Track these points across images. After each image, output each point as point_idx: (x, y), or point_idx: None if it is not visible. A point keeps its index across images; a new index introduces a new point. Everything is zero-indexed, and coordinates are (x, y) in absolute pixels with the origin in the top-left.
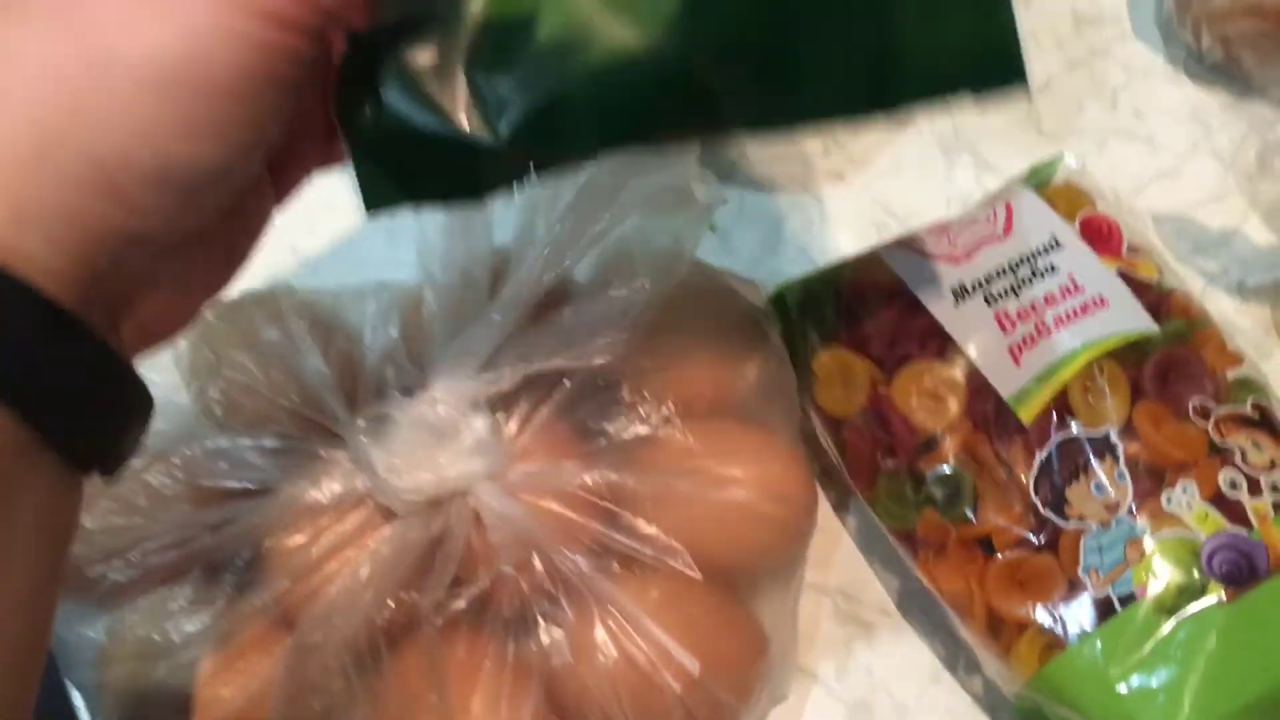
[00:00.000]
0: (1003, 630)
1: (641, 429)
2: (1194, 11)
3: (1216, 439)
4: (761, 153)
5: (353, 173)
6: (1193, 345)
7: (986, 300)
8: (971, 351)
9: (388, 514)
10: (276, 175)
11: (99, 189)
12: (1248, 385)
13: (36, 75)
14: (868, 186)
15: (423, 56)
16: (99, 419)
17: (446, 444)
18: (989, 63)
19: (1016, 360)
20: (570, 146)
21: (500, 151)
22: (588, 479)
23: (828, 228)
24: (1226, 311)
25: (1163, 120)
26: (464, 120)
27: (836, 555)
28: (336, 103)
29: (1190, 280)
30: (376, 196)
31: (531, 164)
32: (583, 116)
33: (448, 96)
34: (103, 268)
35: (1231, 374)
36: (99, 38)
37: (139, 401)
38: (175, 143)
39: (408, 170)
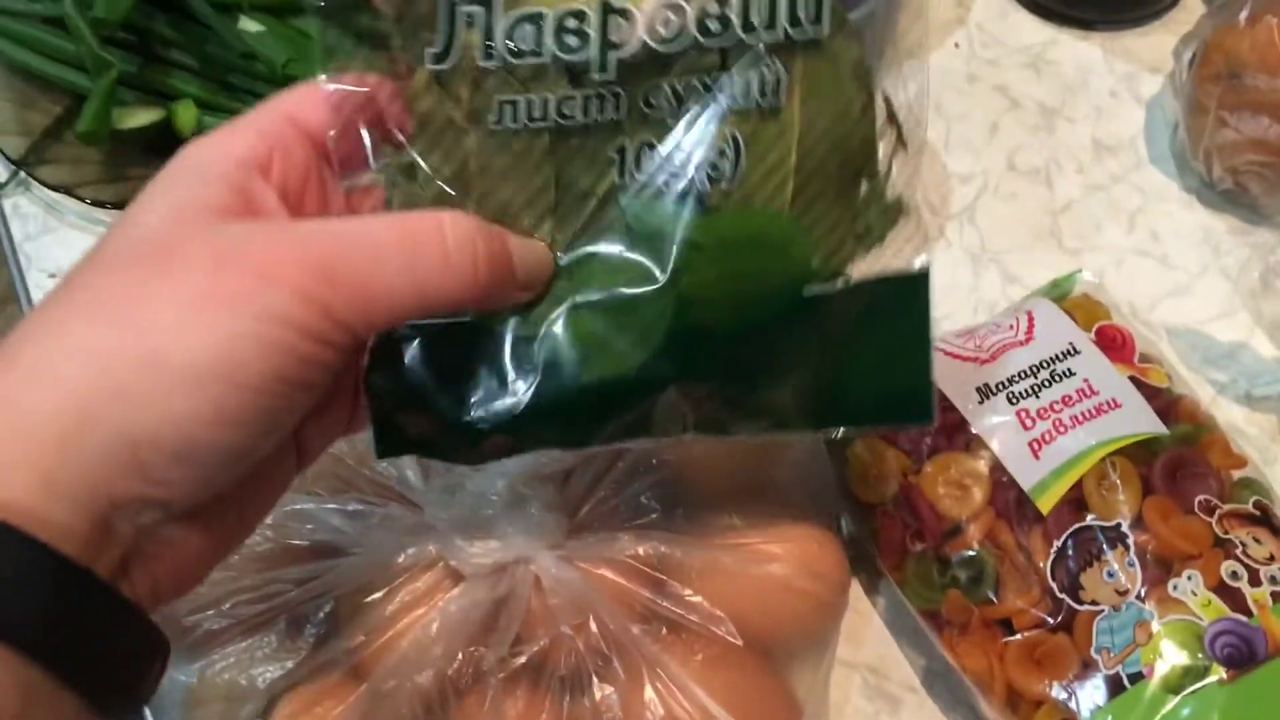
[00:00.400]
0: (1021, 706)
1: (689, 506)
2: (1205, 144)
3: (1220, 533)
4: None
5: (371, 427)
6: (1199, 448)
7: (1009, 399)
8: (995, 446)
9: (457, 576)
10: (301, 442)
11: (125, 465)
12: (1250, 486)
13: (86, 361)
14: None
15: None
16: (115, 665)
17: (512, 514)
18: (912, 409)
19: (1036, 455)
20: (554, 440)
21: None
22: (639, 550)
23: None
24: (1235, 419)
25: (1176, 241)
26: (469, 411)
27: (867, 633)
28: (365, 380)
29: (1201, 388)
30: (389, 448)
31: (523, 444)
32: (568, 418)
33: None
34: (120, 528)
35: (1236, 475)
36: (150, 337)
37: (154, 647)
38: (204, 429)
39: (420, 435)
